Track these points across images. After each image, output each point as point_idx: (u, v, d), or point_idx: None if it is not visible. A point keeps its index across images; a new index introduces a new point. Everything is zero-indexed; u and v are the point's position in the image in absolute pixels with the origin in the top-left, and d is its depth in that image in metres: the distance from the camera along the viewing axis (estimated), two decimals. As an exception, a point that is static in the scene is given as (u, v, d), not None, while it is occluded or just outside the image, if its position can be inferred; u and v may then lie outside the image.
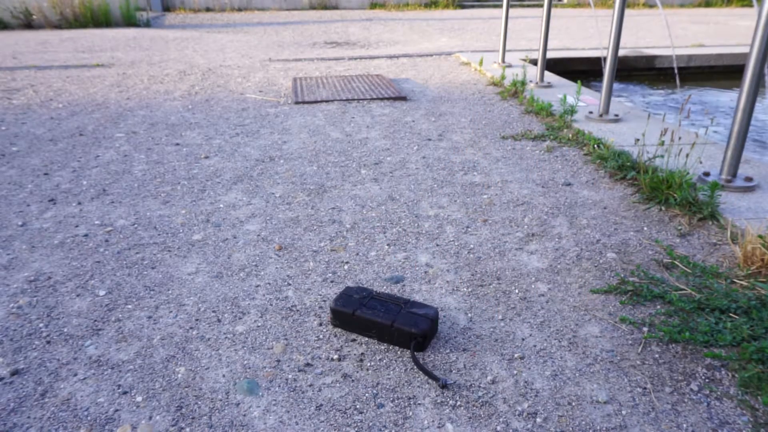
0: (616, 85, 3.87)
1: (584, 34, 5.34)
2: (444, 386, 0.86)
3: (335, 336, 0.99)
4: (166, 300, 1.10)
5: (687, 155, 1.63)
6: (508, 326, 1.01)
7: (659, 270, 1.18)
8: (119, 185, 1.68)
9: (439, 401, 0.84)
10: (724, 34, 5.43)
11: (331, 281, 1.16)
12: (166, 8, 7.74)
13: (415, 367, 0.90)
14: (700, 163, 1.70)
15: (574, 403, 0.83)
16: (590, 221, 1.41)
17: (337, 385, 0.88)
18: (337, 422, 0.81)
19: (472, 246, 1.30)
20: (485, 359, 0.93)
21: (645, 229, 1.37)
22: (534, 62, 3.51)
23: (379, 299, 0.99)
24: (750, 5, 8.31)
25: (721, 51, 4.34)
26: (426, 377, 0.88)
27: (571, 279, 1.16)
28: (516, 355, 0.93)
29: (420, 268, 1.21)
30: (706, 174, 1.58)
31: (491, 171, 1.76)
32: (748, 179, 1.53)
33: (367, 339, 0.97)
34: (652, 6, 8.31)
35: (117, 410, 0.83)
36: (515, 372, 0.90)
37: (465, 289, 1.12)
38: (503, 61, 3.46)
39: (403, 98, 2.70)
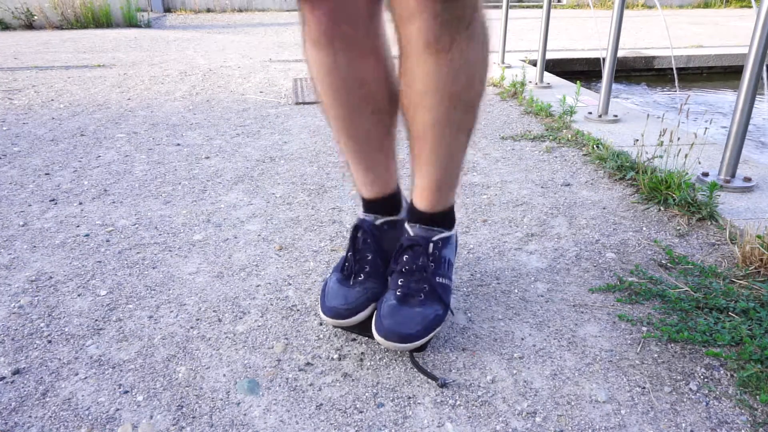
0: (615, 86, 3.88)
1: (583, 35, 5.34)
2: (443, 385, 0.87)
3: (335, 336, 0.99)
4: (167, 300, 1.11)
5: (686, 156, 1.64)
6: (508, 326, 1.01)
7: (658, 270, 1.19)
8: (120, 185, 1.68)
9: (438, 401, 0.84)
10: (722, 34, 5.44)
11: (332, 281, 1.16)
12: (167, 9, 7.75)
13: (414, 367, 0.90)
14: (699, 163, 1.71)
15: (573, 403, 0.84)
16: (589, 221, 1.42)
17: (338, 384, 0.88)
18: (337, 421, 0.81)
19: (471, 246, 1.30)
20: (484, 359, 0.93)
21: (644, 229, 1.37)
22: (533, 63, 3.51)
23: (379, 299, 0.99)
24: (749, 6, 8.32)
25: (720, 52, 4.35)
26: (425, 377, 0.89)
27: (570, 279, 1.16)
28: (515, 355, 0.94)
29: (420, 268, 1.21)
30: (705, 174, 1.58)
31: (491, 171, 1.77)
32: (747, 179, 1.53)
33: (367, 339, 0.98)
34: (651, 7, 8.32)
35: (118, 409, 0.83)
36: (515, 371, 0.90)
37: (464, 289, 1.13)
38: (503, 61, 3.47)
39: (403, 99, 2.70)
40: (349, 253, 1.00)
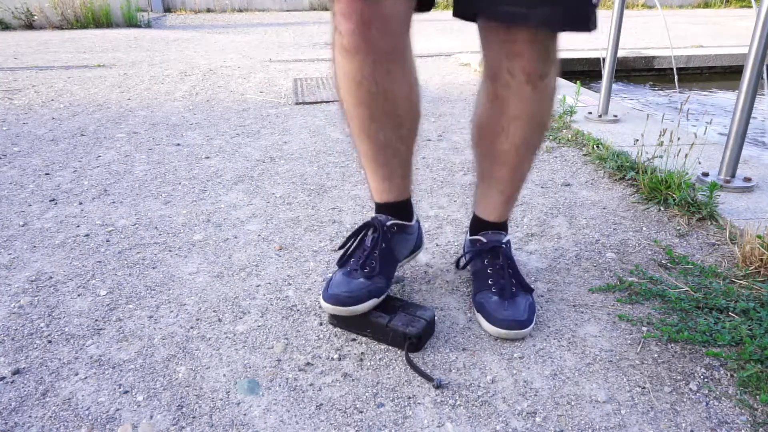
0: (615, 86, 3.88)
1: (583, 35, 5.34)
2: (438, 387, 0.87)
3: (335, 336, 0.99)
4: (167, 300, 1.11)
5: (686, 156, 1.64)
6: (508, 326, 1.01)
7: (658, 270, 1.19)
8: (120, 185, 1.69)
9: (438, 401, 0.84)
10: (722, 34, 5.44)
11: (332, 281, 1.16)
12: (167, 9, 7.75)
13: (410, 368, 0.90)
14: (699, 163, 1.71)
15: (573, 403, 0.84)
16: (589, 221, 1.42)
17: (338, 384, 0.88)
18: (337, 421, 0.81)
19: (471, 246, 1.30)
20: (485, 359, 0.93)
21: (644, 229, 1.37)
22: (534, 63, 3.50)
23: (378, 299, 0.99)
24: (749, 6, 8.32)
25: (720, 52, 4.34)
26: (422, 378, 0.89)
27: (570, 279, 1.16)
28: (515, 355, 0.94)
29: (420, 268, 1.21)
30: (705, 174, 1.58)
31: (491, 171, 1.76)
32: (747, 179, 1.53)
33: (367, 339, 0.98)
34: (651, 7, 8.33)
35: (118, 409, 0.83)
36: (515, 371, 0.90)
37: (465, 289, 1.13)
38: (503, 61, 3.46)
39: (403, 99, 2.70)
40: (353, 248, 1.04)
